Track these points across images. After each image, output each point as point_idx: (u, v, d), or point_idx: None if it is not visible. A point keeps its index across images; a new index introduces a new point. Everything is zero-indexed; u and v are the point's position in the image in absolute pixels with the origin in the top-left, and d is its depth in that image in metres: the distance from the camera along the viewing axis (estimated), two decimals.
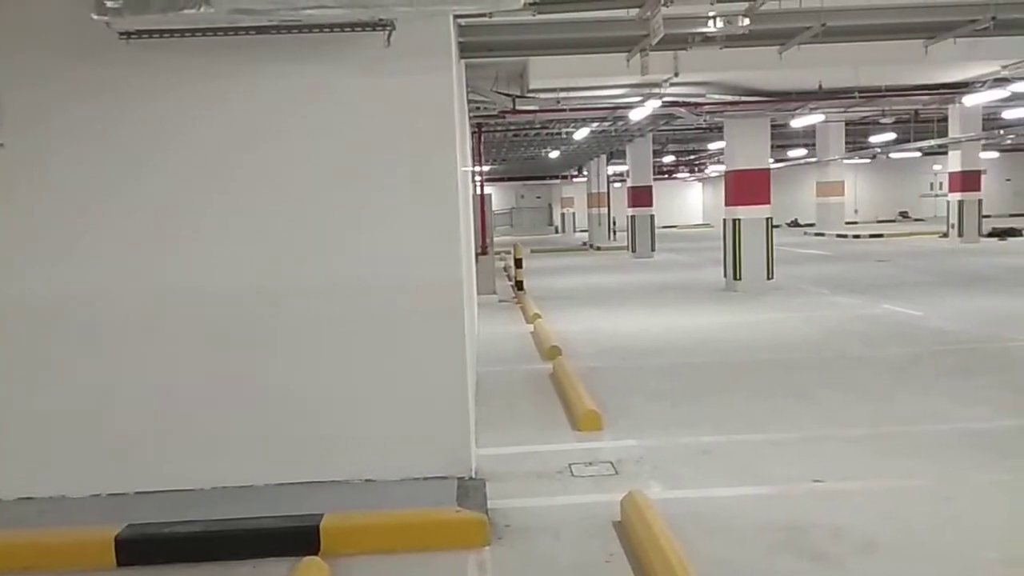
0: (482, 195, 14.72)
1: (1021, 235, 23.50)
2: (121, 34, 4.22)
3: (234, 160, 4.54)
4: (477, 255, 13.65)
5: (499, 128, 18.02)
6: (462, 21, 6.74)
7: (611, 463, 5.11)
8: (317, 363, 4.62)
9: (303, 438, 4.64)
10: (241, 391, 4.61)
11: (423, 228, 4.59)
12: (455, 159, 4.65)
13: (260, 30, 4.30)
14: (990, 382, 6.75)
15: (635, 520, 3.91)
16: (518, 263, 15.46)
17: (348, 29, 4.35)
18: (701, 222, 43.38)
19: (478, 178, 15.12)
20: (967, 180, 21.87)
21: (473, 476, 4.73)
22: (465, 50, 7.45)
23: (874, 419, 5.84)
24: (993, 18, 7.41)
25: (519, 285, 14.87)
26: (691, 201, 45.30)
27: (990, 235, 22.98)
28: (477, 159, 15.72)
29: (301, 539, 3.91)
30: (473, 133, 15.04)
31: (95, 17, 3.78)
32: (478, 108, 12.46)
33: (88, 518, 4.24)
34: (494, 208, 41.37)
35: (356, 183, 4.56)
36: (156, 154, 4.50)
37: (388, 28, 4.27)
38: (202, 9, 3.72)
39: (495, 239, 19.68)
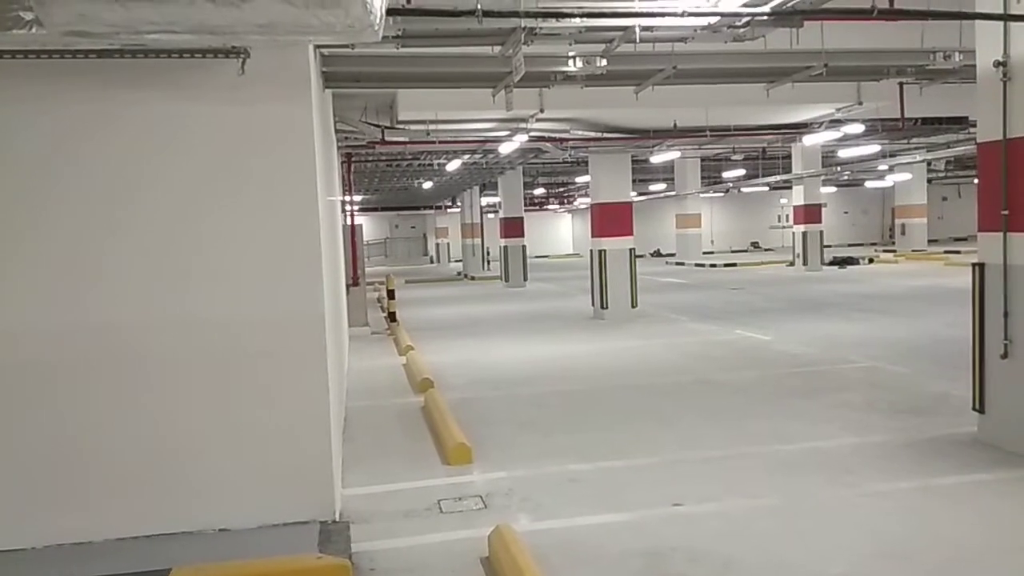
0: (352, 225, 14.48)
1: (858, 263, 25.62)
2: None
3: (74, 190, 4.22)
4: (348, 286, 13.38)
5: (370, 158, 17.85)
6: (325, 51, 6.65)
7: (480, 497, 5.08)
8: (164, 406, 4.34)
9: (149, 487, 4.33)
10: (76, 438, 4.26)
11: (283, 261, 4.45)
12: (316, 190, 4.54)
13: (102, 54, 4.06)
14: (832, 402, 7.25)
15: (502, 555, 3.89)
16: (391, 294, 15.28)
17: (200, 55, 4.18)
18: (571, 252, 44.54)
19: (348, 208, 14.87)
20: (810, 213, 23.69)
21: (337, 519, 4.57)
22: (330, 80, 7.35)
23: (728, 441, 6.13)
24: (826, 65, 8.10)
25: (392, 316, 14.69)
26: (562, 232, 46.50)
27: (831, 264, 24.91)
28: (347, 189, 15.47)
29: None
30: (342, 163, 14.82)
31: None
32: (347, 138, 12.31)
33: None
34: (368, 238, 40.85)
35: (210, 216, 4.36)
36: None
37: (242, 56, 4.13)
38: (33, 30, 3.44)
39: (369, 270, 19.35)
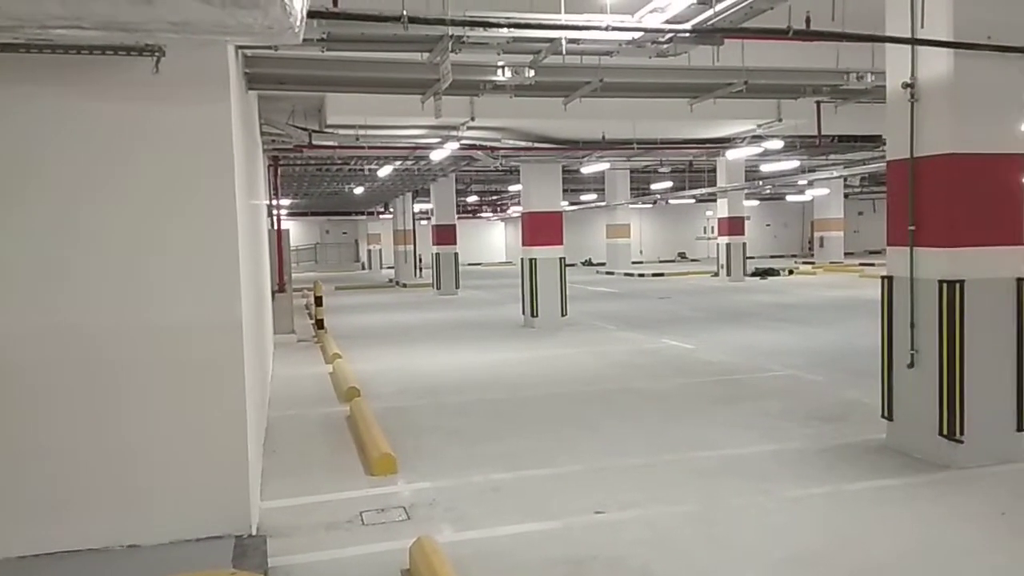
0: (279, 230, 14.19)
1: (779, 275, 26.49)
2: None
3: None
4: (274, 293, 13.08)
5: (298, 162, 17.53)
6: (248, 52, 6.50)
7: (404, 508, 5.02)
8: (66, 416, 4.14)
9: (50, 503, 4.11)
10: None
11: (198, 266, 4.31)
12: (235, 192, 4.41)
13: (6, 48, 3.85)
14: (752, 410, 7.45)
15: (422, 567, 3.84)
16: (318, 301, 15.01)
17: (111, 52, 4.02)
18: (504, 260, 44.71)
19: (275, 212, 14.56)
20: (733, 225, 24.39)
21: (254, 533, 4.44)
22: (253, 81, 7.17)
23: (650, 449, 6.23)
24: (746, 82, 8.37)
25: (320, 324, 14.42)
26: (495, 240, 46.63)
27: (753, 275, 25.68)
28: (273, 193, 15.14)
29: None
30: (269, 166, 14.50)
31: None
32: (273, 141, 12.06)
33: None
34: (297, 244, 39.99)
35: (119, 219, 4.19)
36: None
37: (157, 54, 3.99)
38: None
39: (298, 275, 18.93)
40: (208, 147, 4.31)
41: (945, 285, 5.44)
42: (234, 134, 4.47)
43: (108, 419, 4.19)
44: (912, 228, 5.69)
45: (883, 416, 6.06)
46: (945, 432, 5.49)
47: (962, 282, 5.41)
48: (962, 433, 5.43)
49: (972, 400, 5.44)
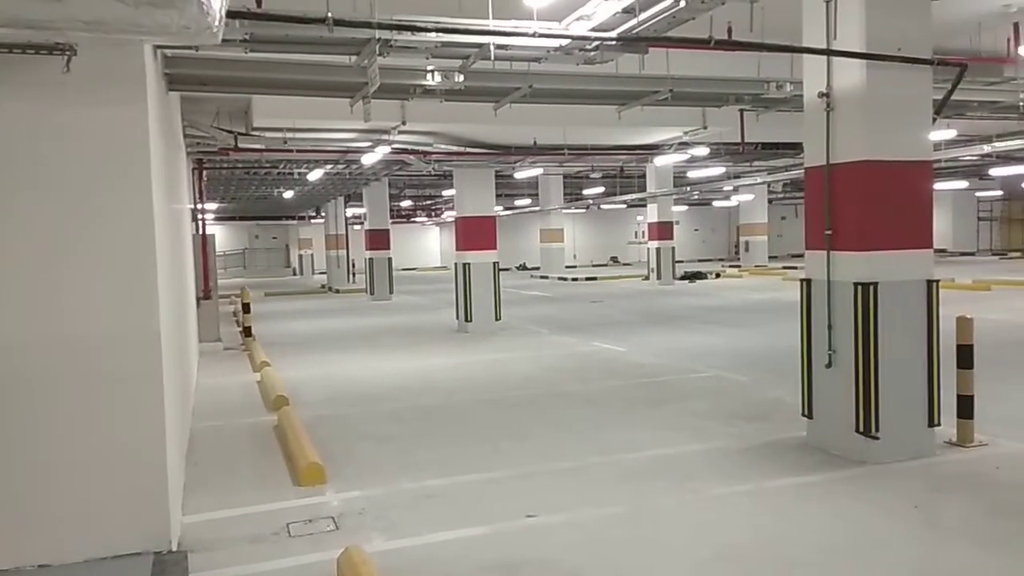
0: (203, 235, 13.78)
1: (706, 278, 27.13)
2: None
3: None
4: (199, 300, 12.71)
5: (224, 165, 17.08)
6: (169, 52, 6.30)
7: (332, 518, 4.93)
8: None
9: None
10: None
11: (114, 274, 4.15)
12: (152, 196, 4.27)
13: None
14: (679, 410, 7.60)
15: None
16: (246, 307, 14.64)
17: (18, 51, 3.83)
18: (439, 265, 44.53)
19: (200, 217, 14.14)
20: (663, 230, 24.90)
21: (174, 549, 4.29)
22: (174, 82, 6.95)
23: (581, 452, 6.28)
24: (671, 90, 8.55)
25: (247, 331, 14.07)
26: (429, 244, 46.40)
27: (682, 278, 26.24)
28: (198, 197, 14.71)
29: None
30: (193, 169, 14.09)
31: None
32: (198, 143, 11.72)
33: None
34: (225, 249, 38.91)
35: (26, 224, 4.00)
36: None
37: (67, 53, 3.83)
38: None
39: (225, 282, 18.42)
40: (124, 149, 4.16)
41: (860, 287, 5.65)
42: (152, 136, 4.32)
43: (16, 433, 3.99)
44: (829, 233, 5.89)
45: (803, 414, 6.25)
46: (861, 429, 5.69)
47: (876, 284, 5.63)
48: (877, 430, 5.65)
49: (886, 398, 5.65)
